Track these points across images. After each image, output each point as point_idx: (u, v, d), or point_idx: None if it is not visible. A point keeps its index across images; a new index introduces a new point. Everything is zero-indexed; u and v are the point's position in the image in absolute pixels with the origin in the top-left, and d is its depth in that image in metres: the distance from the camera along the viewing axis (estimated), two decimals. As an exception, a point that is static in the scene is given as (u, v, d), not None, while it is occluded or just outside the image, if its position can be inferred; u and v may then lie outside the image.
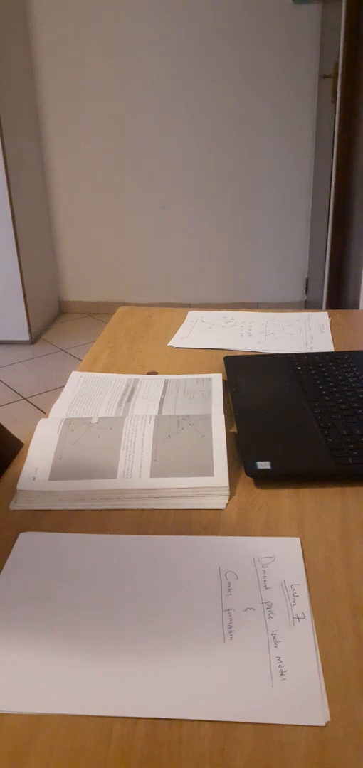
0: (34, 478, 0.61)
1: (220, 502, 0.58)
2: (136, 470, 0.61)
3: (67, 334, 3.38)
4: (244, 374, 0.82)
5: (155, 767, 0.34)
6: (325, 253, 2.69)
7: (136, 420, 0.69)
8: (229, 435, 0.67)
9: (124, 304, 3.56)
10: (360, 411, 0.70)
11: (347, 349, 0.93)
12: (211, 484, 0.59)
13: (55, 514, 0.57)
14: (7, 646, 0.42)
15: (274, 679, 0.39)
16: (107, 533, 0.54)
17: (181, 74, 3.16)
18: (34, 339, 3.25)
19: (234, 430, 0.70)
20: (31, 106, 3.20)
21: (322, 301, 2.80)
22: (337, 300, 2.64)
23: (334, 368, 0.81)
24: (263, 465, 0.61)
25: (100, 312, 3.67)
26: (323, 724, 0.36)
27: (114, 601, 0.46)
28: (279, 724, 0.36)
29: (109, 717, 0.37)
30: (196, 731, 0.36)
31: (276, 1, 2.98)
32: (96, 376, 0.86)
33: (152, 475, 0.60)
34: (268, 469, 0.60)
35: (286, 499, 0.58)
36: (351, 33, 2.25)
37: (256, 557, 0.50)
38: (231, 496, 0.59)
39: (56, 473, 0.61)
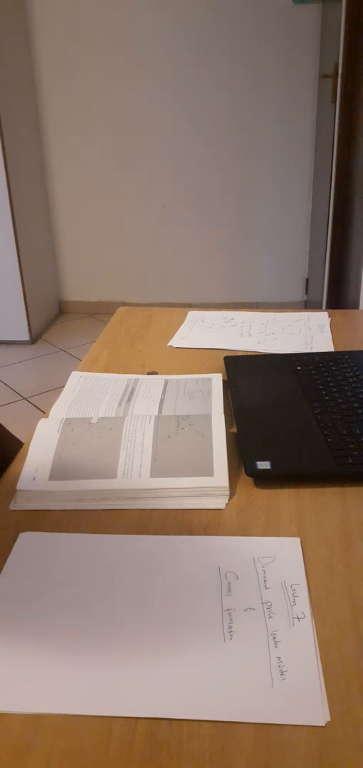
0: (34, 478, 0.61)
1: (220, 502, 0.58)
2: (136, 470, 0.61)
3: (67, 334, 3.38)
4: (244, 374, 0.82)
5: (155, 767, 0.34)
6: (325, 253, 2.69)
7: (136, 420, 0.69)
8: (229, 435, 0.67)
9: (124, 304, 3.56)
10: (360, 411, 0.70)
11: (347, 349, 0.93)
12: (211, 484, 0.59)
13: (55, 514, 0.57)
14: (7, 645, 0.42)
15: (274, 679, 0.39)
16: (107, 533, 0.54)
17: (181, 74, 3.16)
18: (34, 339, 3.25)
19: (234, 430, 0.70)
20: (31, 107, 3.20)
21: (322, 301, 2.80)
22: (337, 300, 2.64)
23: (334, 368, 0.81)
24: (263, 465, 0.61)
25: (100, 312, 3.66)
26: (323, 725, 0.36)
27: (114, 601, 0.46)
28: (279, 724, 0.36)
29: (109, 717, 0.37)
30: (196, 731, 0.36)
31: (276, 1, 2.98)
32: (96, 376, 0.86)
33: (152, 475, 0.60)
34: (268, 469, 0.60)
35: (286, 499, 0.58)
36: (351, 33, 2.25)
37: (256, 557, 0.50)
38: (231, 496, 0.59)
39: (56, 473, 0.61)
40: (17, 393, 2.68)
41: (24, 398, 2.63)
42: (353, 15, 2.22)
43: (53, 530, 0.55)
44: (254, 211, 3.41)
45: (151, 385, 0.81)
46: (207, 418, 0.69)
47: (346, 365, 0.82)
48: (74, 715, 0.38)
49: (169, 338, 1.01)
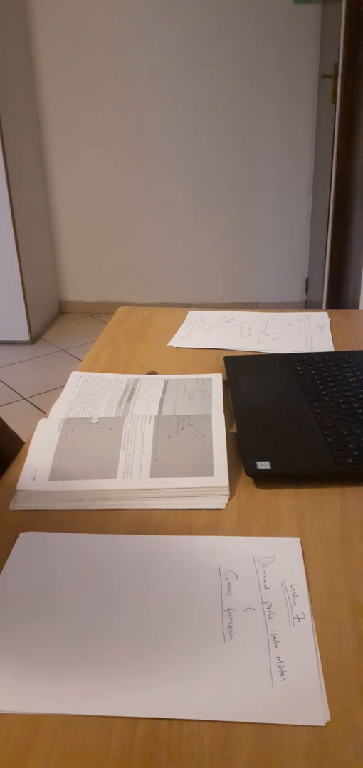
0: (34, 478, 0.61)
1: (220, 502, 0.58)
2: (136, 470, 0.61)
3: (67, 334, 3.38)
4: (244, 374, 0.82)
5: (155, 767, 0.34)
6: (325, 253, 2.69)
7: (136, 420, 0.69)
8: (229, 435, 0.67)
9: (124, 304, 3.55)
10: (360, 411, 0.70)
11: (347, 349, 0.93)
12: (211, 484, 0.59)
13: (55, 514, 0.57)
14: (7, 646, 0.42)
15: (274, 679, 0.39)
16: (107, 533, 0.54)
17: (181, 74, 3.16)
18: (34, 339, 3.24)
19: (234, 430, 0.70)
20: (31, 106, 3.20)
21: (322, 301, 2.80)
22: (337, 300, 2.64)
23: (334, 368, 0.81)
24: (263, 465, 0.61)
25: (100, 312, 3.66)
26: (323, 724, 0.36)
27: (114, 601, 0.46)
28: (279, 724, 0.36)
29: (109, 717, 0.37)
30: (196, 731, 0.36)
31: (276, 1, 2.98)
32: (96, 376, 0.86)
33: (152, 475, 0.61)
34: (268, 469, 0.60)
35: (286, 499, 0.58)
36: (351, 33, 2.24)
37: (256, 557, 0.50)
38: (231, 496, 0.59)
39: (56, 473, 0.61)
40: (17, 393, 2.68)
41: (24, 398, 2.63)
42: (353, 15, 2.22)
43: (53, 530, 0.55)
44: (254, 210, 3.41)
45: (151, 385, 0.81)
46: (207, 418, 0.69)
47: (346, 365, 0.82)
48: (74, 715, 0.38)
49: (169, 338, 1.01)
